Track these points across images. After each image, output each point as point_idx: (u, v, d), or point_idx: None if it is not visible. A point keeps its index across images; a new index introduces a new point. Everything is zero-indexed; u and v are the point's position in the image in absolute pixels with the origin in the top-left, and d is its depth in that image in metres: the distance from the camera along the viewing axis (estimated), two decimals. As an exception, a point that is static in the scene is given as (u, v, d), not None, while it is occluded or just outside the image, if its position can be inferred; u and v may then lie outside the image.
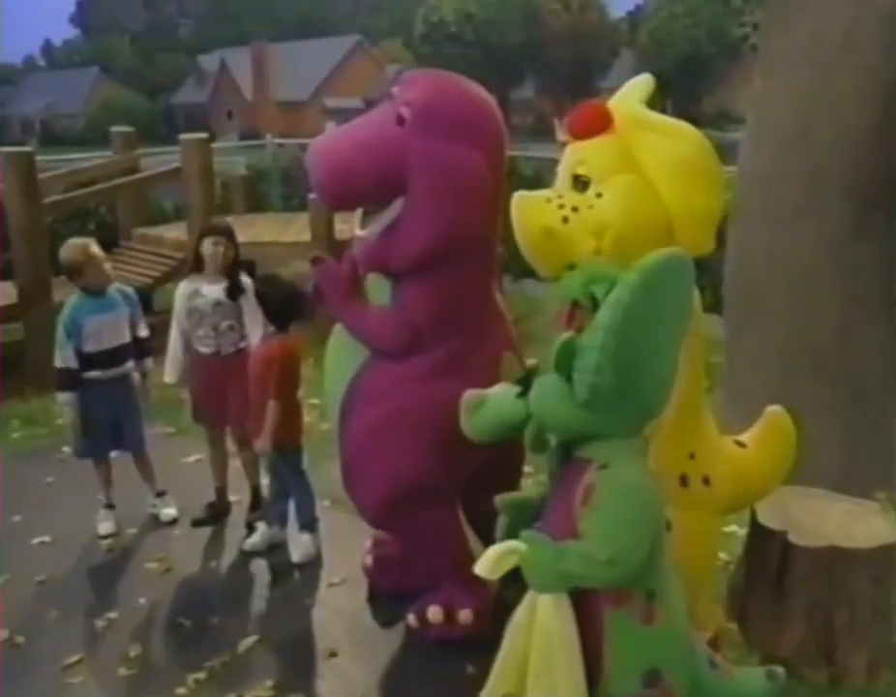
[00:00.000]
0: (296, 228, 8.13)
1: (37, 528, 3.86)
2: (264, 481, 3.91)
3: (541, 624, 1.99)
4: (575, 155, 2.49)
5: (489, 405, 2.30)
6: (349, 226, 6.97)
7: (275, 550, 3.67)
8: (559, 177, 2.54)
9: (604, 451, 2.03)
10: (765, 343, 3.95)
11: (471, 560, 3.03)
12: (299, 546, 3.61)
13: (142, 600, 3.31)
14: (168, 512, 3.98)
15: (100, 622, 3.17)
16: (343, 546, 3.64)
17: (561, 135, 2.59)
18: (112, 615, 3.21)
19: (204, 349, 3.76)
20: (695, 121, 2.55)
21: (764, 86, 4.07)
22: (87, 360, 3.69)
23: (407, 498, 2.79)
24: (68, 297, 3.83)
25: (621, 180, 2.37)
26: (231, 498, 4.03)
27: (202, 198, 7.86)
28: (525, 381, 2.17)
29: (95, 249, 3.73)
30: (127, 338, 3.79)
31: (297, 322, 3.53)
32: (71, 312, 3.69)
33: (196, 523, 3.92)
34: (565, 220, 2.37)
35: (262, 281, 3.60)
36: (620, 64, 52.72)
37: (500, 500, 2.41)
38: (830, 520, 2.92)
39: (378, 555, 3.31)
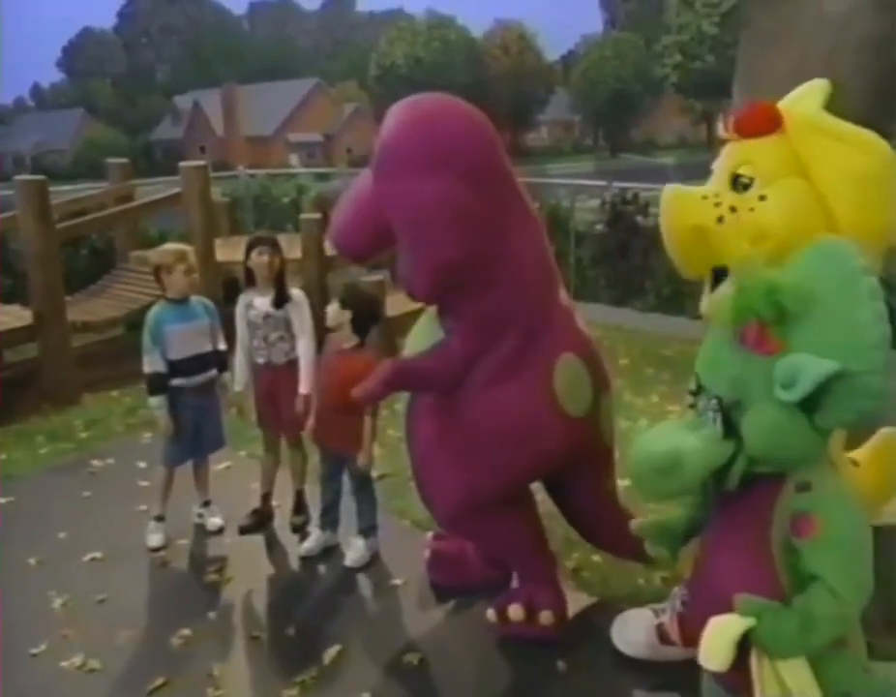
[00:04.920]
0: (284, 247, 7.84)
1: (85, 544, 3.44)
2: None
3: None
4: (738, 154, 2.08)
5: (688, 460, 1.69)
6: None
7: (329, 554, 3.33)
8: (715, 176, 2.14)
9: (797, 468, 1.67)
10: None
11: (552, 559, 2.79)
12: (354, 551, 3.28)
13: (211, 614, 2.93)
14: (215, 521, 3.62)
15: (175, 641, 2.77)
16: (396, 547, 3.33)
17: (723, 131, 2.21)
18: (185, 632, 2.81)
19: (258, 360, 3.48)
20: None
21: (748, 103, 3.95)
22: (172, 368, 3.38)
23: (474, 510, 2.52)
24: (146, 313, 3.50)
25: (788, 184, 1.97)
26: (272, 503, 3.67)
27: (202, 222, 7.54)
28: (724, 419, 1.69)
29: (190, 255, 3.44)
30: (209, 347, 3.49)
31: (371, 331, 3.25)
32: (155, 319, 3.38)
33: (244, 530, 3.55)
34: (720, 219, 1.98)
35: (347, 289, 3.26)
36: (556, 100, 53.42)
37: (638, 525, 2.07)
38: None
39: (435, 550, 3.06)
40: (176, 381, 3.40)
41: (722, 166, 2.15)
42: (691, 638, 2.52)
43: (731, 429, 1.65)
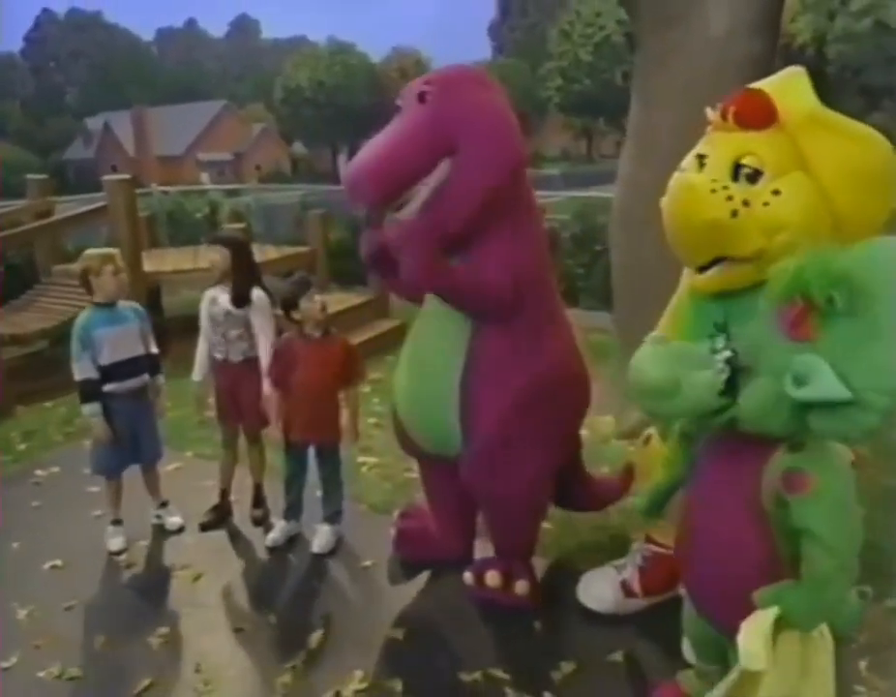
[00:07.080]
0: (205, 257, 7.54)
1: (42, 553, 3.11)
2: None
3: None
4: (737, 144, 1.90)
5: (685, 394, 1.59)
6: (259, 250, 6.81)
7: (295, 543, 3.15)
8: (710, 162, 1.93)
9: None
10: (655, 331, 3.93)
11: (534, 544, 2.71)
12: (321, 537, 3.11)
13: (188, 611, 2.69)
14: (175, 521, 3.36)
15: (154, 640, 2.52)
16: (358, 530, 3.19)
17: (714, 118, 1.98)
18: (164, 630, 2.57)
19: (217, 355, 3.26)
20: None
21: (646, 116, 4.00)
22: (103, 373, 3.06)
23: (514, 434, 2.38)
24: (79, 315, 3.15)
25: (798, 179, 1.84)
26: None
27: (129, 234, 7.09)
28: (730, 380, 1.56)
29: (117, 258, 3.13)
30: (141, 350, 3.17)
31: None
32: (83, 324, 3.05)
33: (205, 527, 3.33)
34: (734, 213, 1.81)
35: (299, 283, 3.05)
36: (450, 119, 53.89)
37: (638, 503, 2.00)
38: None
39: (401, 528, 2.95)
40: (108, 387, 3.07)
41: (717, 154, 1.96)
42: (651, 589, 2.54)
43: (732, 386, 1.55)
